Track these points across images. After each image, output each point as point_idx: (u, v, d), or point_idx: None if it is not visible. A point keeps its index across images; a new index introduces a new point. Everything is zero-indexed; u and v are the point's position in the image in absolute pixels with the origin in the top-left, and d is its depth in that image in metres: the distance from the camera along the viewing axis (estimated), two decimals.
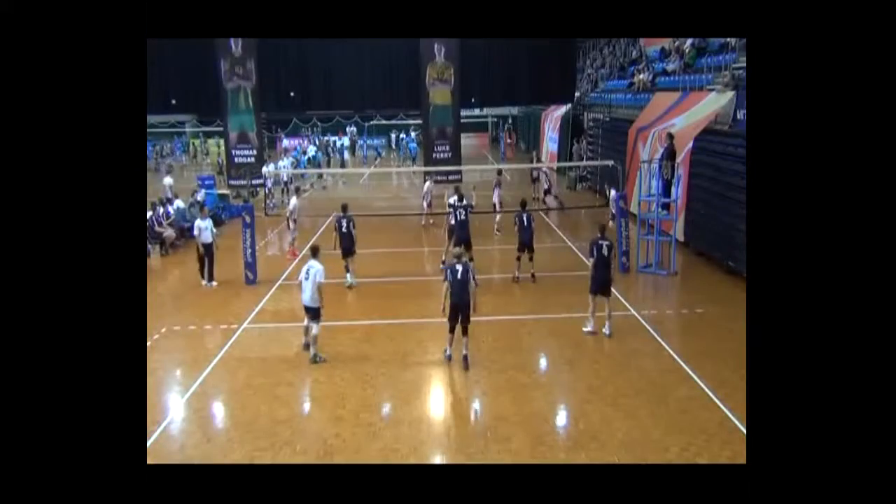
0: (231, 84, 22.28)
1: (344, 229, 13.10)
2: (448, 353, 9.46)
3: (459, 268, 9.16)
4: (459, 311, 9.17)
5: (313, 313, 9.58)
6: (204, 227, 13.49)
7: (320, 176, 28.96)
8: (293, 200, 16.19)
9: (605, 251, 10.18)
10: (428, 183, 19.64)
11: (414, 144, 36.79)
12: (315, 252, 9.87)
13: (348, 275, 13.21)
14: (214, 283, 13.57)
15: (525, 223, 13.13)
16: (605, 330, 10.27)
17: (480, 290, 9.93)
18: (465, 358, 9.27)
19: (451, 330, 9.32)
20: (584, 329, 10.41)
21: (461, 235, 13.11)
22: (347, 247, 13.11)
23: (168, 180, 23.96)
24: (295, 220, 15.82)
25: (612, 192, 16.60)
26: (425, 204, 19.45)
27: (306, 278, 9.52)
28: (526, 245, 13.21)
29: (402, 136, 39.83)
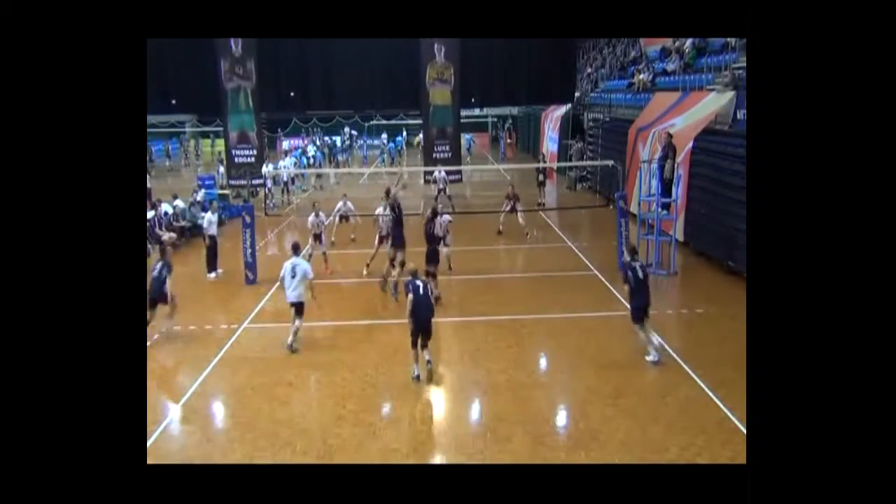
0: (231, 84, 22.27)
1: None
2: (416, 372, 8.87)
3: (420, 284, 8.79)
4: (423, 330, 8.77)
5: (300, 308, 9.94)
6: (214, 220, 14.30)
7: (319, 176, 28.89)
8: (311, 217, 14.60)
9: (640, 274, 9.24)
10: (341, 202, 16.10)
11: (392, 145, 38.26)
12: (296, 249, 10.31)
13: None
14: (213, 275, 14.14)
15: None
16: (651, 356, 9.20)
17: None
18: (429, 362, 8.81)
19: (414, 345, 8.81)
20: (648, 358, 9.22)
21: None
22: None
23: (221, 169, 24.74)
24: (316, 236, 14.49)
25: (443, 217, 13.37)
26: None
27: (293, 276, 9.84)
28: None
29: (388, 139, 40.06)
